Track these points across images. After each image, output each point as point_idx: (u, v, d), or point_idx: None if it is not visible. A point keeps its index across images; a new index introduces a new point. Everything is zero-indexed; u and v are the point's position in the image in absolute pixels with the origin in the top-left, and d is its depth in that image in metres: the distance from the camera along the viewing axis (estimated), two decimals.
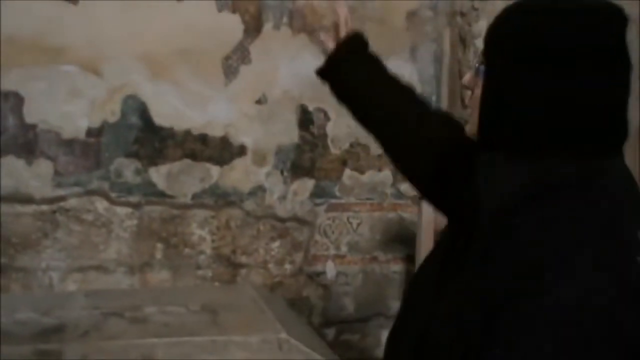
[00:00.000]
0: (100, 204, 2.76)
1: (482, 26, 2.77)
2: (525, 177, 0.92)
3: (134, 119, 2.77)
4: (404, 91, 1.37)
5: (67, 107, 2.73)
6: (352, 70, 1.37)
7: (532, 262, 0.85)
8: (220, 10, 2.79)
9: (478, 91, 1.01)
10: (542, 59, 0.90)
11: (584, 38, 0.90)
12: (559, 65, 0.90)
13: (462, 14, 2.88)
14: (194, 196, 2.82)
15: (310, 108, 2.84)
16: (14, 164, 2.71)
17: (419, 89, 2.83)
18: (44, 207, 2.73)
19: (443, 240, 1.14)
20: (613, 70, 0.91)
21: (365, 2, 2.89)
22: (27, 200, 2.72)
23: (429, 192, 1.29)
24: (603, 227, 0.87)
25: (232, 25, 2.80)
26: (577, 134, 0.91)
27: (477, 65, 1.03)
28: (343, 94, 1.40)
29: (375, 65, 1.39)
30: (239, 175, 2.83)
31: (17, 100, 2.70)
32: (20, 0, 2.68)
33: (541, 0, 0.95)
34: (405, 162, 1.33)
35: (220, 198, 2.83)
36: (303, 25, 2.85)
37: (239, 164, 2.82)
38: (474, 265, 0.92)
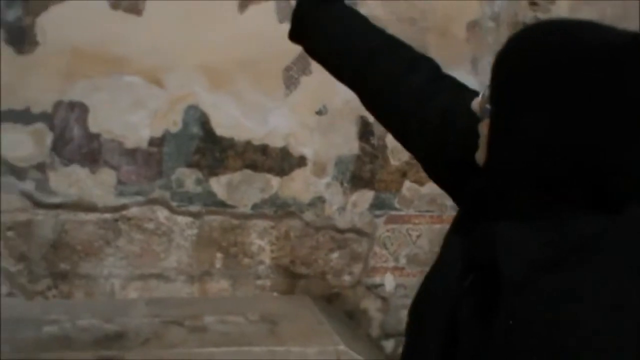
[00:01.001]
0: (162, 213, 2.82)
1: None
2: (546, 242, 0.85)
3: (195, 129, 2.83)
4: (380, 40, 1.23)
5: (130, 117, 2.81)
6: (316, 23, 1.27)
7: (565, 342, 0.80)
8: (281, 20, 2.83)
9: (486, 129, 0.93)
10: (555, 104, 0.83)
11: (604, 84, 0.81)
12: (573, 112, 0.82)
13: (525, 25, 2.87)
14: (254, 206, 2.86)
15: (371, 119, 2.86)
16: (78, 172, 2.80)
17: None
18: (107, 216, 2.81)
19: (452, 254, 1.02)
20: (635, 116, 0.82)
21: (426, 13, 2.90)
22: (91, 208, 2.81)
23: (426, 164, 1.18)
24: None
25: None
26: (592, 182, 0.84)
27: (485, 104, 0.94)
28: (315, 52, 1.30)
29: (342, 18, 1.27)
30: (298, 186, 2.87)
31: (82, 110, 2.79)
32: (86, 12, 2.76)
33: (555, 30, 0.86)
34: (396, 128, 1.20)
35: (280, 208, 2.87)
36: None
37: (299, 174, 2.86)
38: (499, 344, 0.85)
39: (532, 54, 0.85)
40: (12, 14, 2.76)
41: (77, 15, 2.78)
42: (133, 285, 2.84)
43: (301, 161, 2.88)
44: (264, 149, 2.86)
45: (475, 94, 1.04)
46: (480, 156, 0.94)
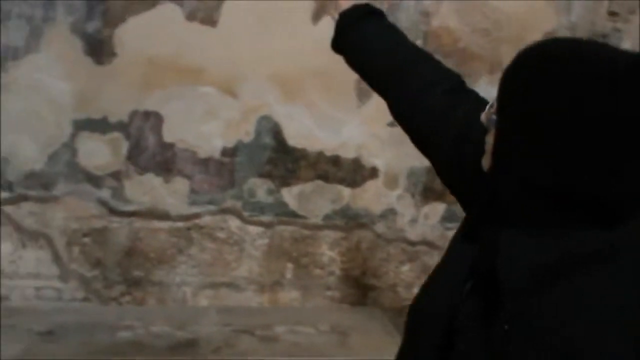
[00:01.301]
0: (233, 223, 2.85)
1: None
2: (548, 252, 0.86)
3: (268, 140, 2.85)
4: (412, 54, 1.27)
5: (204, 127, 2.85)
6: (354, 40, 1.31)
7: (563, 348, 0.80)
8: None
9: (492, 138, 0.95)
10: (557, 120, 0.84)
11: (605, 102, 0.82)
12: (575, 128, 0.83)
13: (604, 36, 2.82)
14: (325, 217, 2.87)
15: None
16: (152, 181, 2.85)
17: None
18: (179, 224, 2.85)
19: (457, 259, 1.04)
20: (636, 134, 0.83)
21: (501, 24, 2.88)
22: (164, 216, 2.85)
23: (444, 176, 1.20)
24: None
25: None
26: (593, 196, 0.85)
27: (492, 115, 0.95)
28: (353, 63, 1.34)
29: (380, 32, 1.31)
30: (370, 197, 2.87)
31: (157, 120, 2.84)
32: (162, 23, 2.81)
33: (559, 49, 0.87)
34: (416, 135, 1.23)
35: (351, 220, 2.87)
36: (438, 47, 2.86)
37: (371, 186, 2.86)
38: (493, 349, 0.86)
39: (536, 71, 0.86)
40: (91, 26, 2.83)
41: (153, 26, 2.83)
42: (204, 293, 2.88)
43: (373, 173, 2.89)
44: (335, 160, 2.87)
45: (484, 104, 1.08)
46: (486, 163, 0.96)
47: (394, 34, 1.32)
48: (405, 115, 1.24)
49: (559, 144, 0.84)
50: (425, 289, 1.06)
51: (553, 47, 0.89)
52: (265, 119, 2.84)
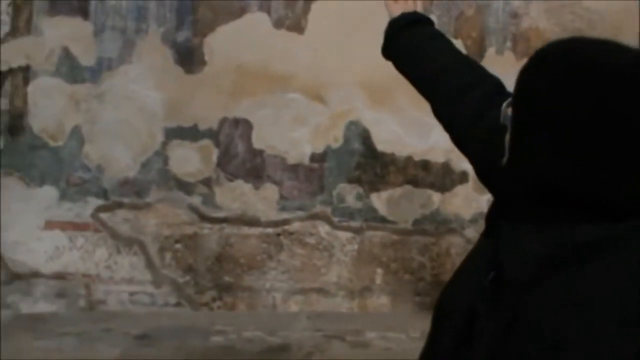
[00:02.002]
0: (323, 228, 2.88)
1: None
2: (549, 244, 0.88)
3: (356, 145, 2.87)
4: (457, 58, 1.30)
5: (293, 134, 2.89)
6: (403, 46, 1.35)
7: (555, 338, 0.82)
8: None
9: (507, 136, 0.96)
10: (567, 119, 0.85)
11: (614, 102, 0.84)
12: (584, 127, 0.85)
13: None
14: (415, 222, 2.88)
15: None
16: (242, 187, 2.91)
17: None
18: (269, 230, 2.90)
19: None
20: None
21: (594, 23, 2.84)
22: (254, 222, 2.91)
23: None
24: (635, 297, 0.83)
25: None
26: (600, 195, 0.86)
27: (508, 112, 0.96)
28: (401, 68, 1.37)
29: (428, 39, 1.34)
30: (460, 202, 2.86)
31: (246, 127, 2.90)
32: (251, 31, 2.88)
33: (573, 48, 0.89)
34: (455, 135, 1.24)
35: (441, 225, 2.87)
36: (527, 49, 2.84)
37: (461, 190, 2.85)
38: (497, 338, 0.88)
39: (549, 70, 0.88)
40: (181, 36, 2.91)
41: (242, 34, 2.89)
42: (294, 298, 2.92)
43: (463, 177, 2.88)
44: (425, 165, 2.88)
45: None
46: (504, 160, 0.97)
47: (440, 40, 1.36)
48: (445, 116, 1.28)
49: (581, 143, 0.85)
50: (449, 284, 1.10)
51: (579, 46, 0.91)
52: (354, 124, 2.87)
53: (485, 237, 1.07)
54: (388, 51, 1.42)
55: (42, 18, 2.88)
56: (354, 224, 2.90)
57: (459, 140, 1.26)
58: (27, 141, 2.87)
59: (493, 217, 1.05)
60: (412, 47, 1.37)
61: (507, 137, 0.98)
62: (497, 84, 1.27)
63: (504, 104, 1.00)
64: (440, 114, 1.30)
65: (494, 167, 1.03)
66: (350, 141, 2.89)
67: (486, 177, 1.14)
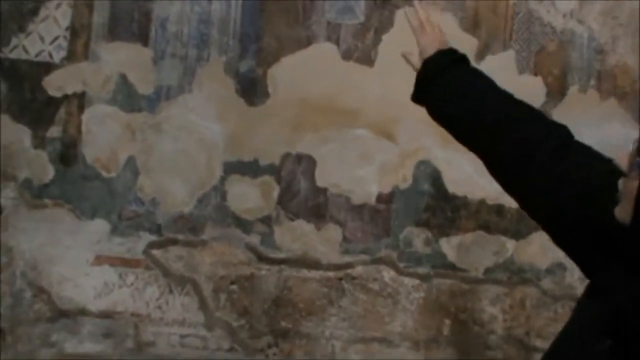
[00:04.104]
0: (388, 274, 2.78)
1: None
2: None
3: (426, 186, 2.78)
4: (514, 107, 1.21)
5: (358, 172, 2.80)
6: (442, 90, 1.26)
7: None
8: (521, 72, 2.74)
9: (634, 184, 0.90)
10: None
11: None
12: None
13: None
14: (487, 270, 2.77)
15: None
16: (303, 227, 2.81)
17: None
18: (330, 274, 2.80)
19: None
20: None
21: None
22: (315, 265, 2.81)
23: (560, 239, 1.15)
24: None
25: (534, 88, 2.74)
26: None
27: (637, 158, 0.91)
28: (440, 116, 1.29)
29: (472, 81, 1.26)
30: (536, 250, 2.74)
31: (309, 163, 2.81)
32: (317, 63, 2.79)
33: None
34: (522, 196, 1.18)
35: (515, 274, 2.76)
36: (613, 87, 2.73)
37: (537, 238, 2.73)
38: None
39: None
40: (244, 66, 2.84)
41: (308, 66, 2.82)
42: (355, 347, 2.80)
43: None
44: (498, 209, 2.76)
45: (600, 156, 1.11)
46: (623, 212, 0.92)
47: (488, 83, 1.28)
48: (511, 175, 1.18)
49: None
50: (554, 349, 1.06)
51: None
52: (424, 163, 2.77)
53: (589, 299, 1.02)
54: (422, 94, 1.32)
55: (100, 43, 2.82)
56: (421, 270, 2.79)
57: (534, 202, 1.16)
58: (80, 171, 2.80)
59: (599, 274, 1.00)
60: (455, 91, 1.26)
61: (631, 184, 0.91)
62: (568, 133, 1.18)
63: (631, 148, 0.93)
64: (501, 171, 1.20)
65: (600, 223, 0.98)
66: (419, 181, 2.79)
67: (581, 238, 1.07)
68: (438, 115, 1.31)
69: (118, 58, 2.80)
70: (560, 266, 2.75)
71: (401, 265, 2.78)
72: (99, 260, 2.81)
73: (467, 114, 1.24)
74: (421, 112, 2.66)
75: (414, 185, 2.78)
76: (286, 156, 2.80)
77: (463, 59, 1.32)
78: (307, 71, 2.79)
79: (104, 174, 2.81)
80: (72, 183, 2.80)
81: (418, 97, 1.35)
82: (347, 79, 2.79)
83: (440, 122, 1.32)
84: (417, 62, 1.36)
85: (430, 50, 1.33)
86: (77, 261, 2.80)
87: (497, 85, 1.27)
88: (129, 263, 2.81)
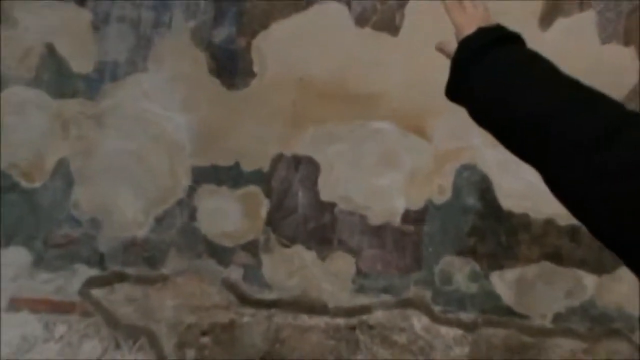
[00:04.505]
0: (418, 321, 2.09)
1: None
2: None
3: (471, 200, 2.08)
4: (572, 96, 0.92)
5: (378, 181, 2.12)
6: (483, 77, 0.98)
7: None
8: (604, 40, 2.05)
9: None
10: None
11: None
12: None
13: None
14: (557, 317, 2.06)
15: None
16: (302, 257, 2.11)
17: None
18: (340, 321, 2.12)
19: None
20: None
21: None
22: (318, 309, 2.13)
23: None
24: None
25: (622, 62, 2.05)
26: None
27: None
28: (482, 117, 1.02)
29: (524, 64, 0.97)
30: (626, 290, 2.02)
31: (310, 168, 2.15)
32: (319, 29, 2.06)
33: None
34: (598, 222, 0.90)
35: (598, 323, 2.05)
36: None
37: (627, 274, 1.99)
38: None
39: None
40: (221, 34, 2.12)
41: (308, 35, 2.12)
42: None
43: None
44: (573, 232, 2.04)
45: None
46: None
47: (543, 66, 0.98)
48: (568, 192, 0.94)
49: None
50: None
51: None
52: (468, 169, 2.09)
53: None
54: (459, 86, 1.03)
55: (16, 3, 2.06)
56: (465, 316, 2.08)
57: (599, 227, 0.90)
58: None
59: None
60: (501, 81, 0.98)
61: None
62: None
63: None
64: (559, 188, 0.95)
65: None
66: (462, 194, 2.09)
67: None
68: (479, 114, 1.03)
69: (43, 22, 2.07)
70: None
71: (437, 309, 2.09)
72: (16, 303, 2.11)
73: (510, 110, 0.97)
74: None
75: (455, 199, 2.09)
76: (278, 159, 2.12)
77: (514, 38, 1.02)
78: (307, 42, 2.09)
79: (24, 184, 2.10)
80: None
81: (453, 89, 1.05)
82: (361, 53, 2.08)
83: (483, 123, 1.04)
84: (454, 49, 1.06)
85: (469, 29, 1.04)
86: None
87: (560, 71, 0.97)
88: (59, 307, 2.11)
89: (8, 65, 2.07)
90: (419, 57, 2.05)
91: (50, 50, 2.08)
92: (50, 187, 2.10)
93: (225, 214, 2.10)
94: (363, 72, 2.10)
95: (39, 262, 2.09)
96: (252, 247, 2.11)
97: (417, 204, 2.09)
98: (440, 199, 2.09)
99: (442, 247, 2.09)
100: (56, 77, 2.09)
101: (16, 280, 2.08)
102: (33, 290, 2.08)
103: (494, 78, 1.00)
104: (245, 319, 2.10)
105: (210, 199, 2.10)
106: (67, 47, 2.09)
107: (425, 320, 2.09)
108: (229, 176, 2.10)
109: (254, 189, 2.10)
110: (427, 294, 2.09)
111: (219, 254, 2.11)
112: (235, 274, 2.11)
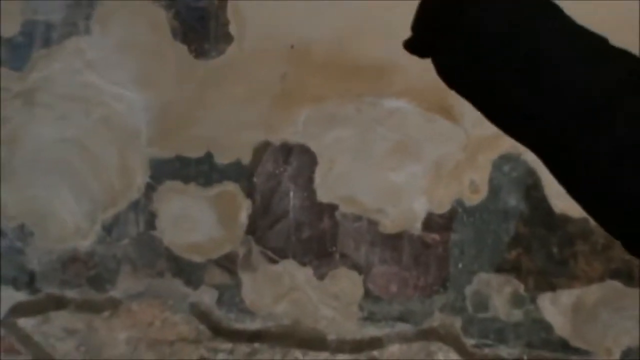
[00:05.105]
0: (445, 358, 1.64)
1: None
2: None
3: (513, 201, 1.67)
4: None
5: (392, 176, 1.68)
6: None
7: None
8: None
9: None
10: None
11: None
12: None
13: None
14: (627, 353, 1.65)
15: None
16: (294, 275, 1.68)
17: None
18: (343, 358, 1.69)
19: None
20: None
21: None
22: (315, 342, 1.69)
23: None
24: None
25: None
26: None
27: None
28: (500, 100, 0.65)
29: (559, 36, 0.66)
30: None
31: (304, 160, 1.72)
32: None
33: None
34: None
35: None
36: None
37: None
38: None
39: None
40: None
41: None
42: None
43: None
44: None
45: None
46: None
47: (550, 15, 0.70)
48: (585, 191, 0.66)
49: None
50: None
51: None
52: (509, 161, 1.64)
53: None
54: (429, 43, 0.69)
55: None
56: (507, 351, 1.67)
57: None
58: None
59: None
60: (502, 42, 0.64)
61: None
62: None
63: None
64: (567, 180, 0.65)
65: None
66: (501, 193, 1.67)
67: None
68: (484, 102, 0.66)
69: None
70: None
71: (469, 342, 1.68)
72: None
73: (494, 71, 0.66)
74: None
75: (492, 199, 1.65)
76: (263, 148, 1.68)
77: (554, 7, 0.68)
78: None
79: None
80: None
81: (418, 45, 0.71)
82: (368, 12, 1.65)
83: (491, 117, 0.67)
84: None
85: None
86: None
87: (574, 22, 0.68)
88: None
89: None
90: None
91: None
92: None
93: (194, 220, 1.67)
94: (372, 37, 1.67)
95: None
96: (228, 263, 1.67)
97: (442, 207, 1.67)
98: (472, 200, 1.66)
99: (476, 262, 1.67)
100: None
101: None
102: None
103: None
104: (220, 356, 1.67)
105: (175, 201, 1.66)
106: None
107: (454, 356, 1.66)
108: (199, 171, 1.67)
109: (231, 187, 1.67)
110: (457, 323, 1.66)
111: (186, 272, 1.67)
112: (207, 297, 1.67)
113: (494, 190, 1.65)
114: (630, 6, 1.63)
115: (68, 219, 1.65)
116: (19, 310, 1.65)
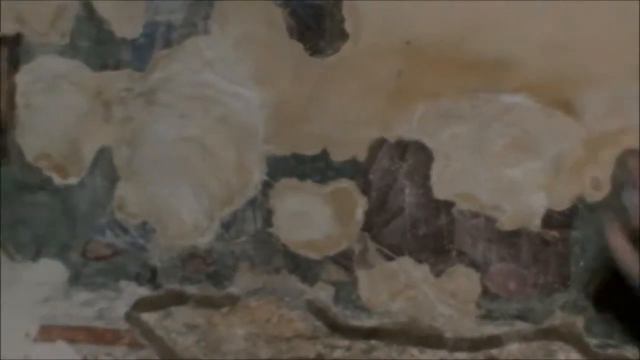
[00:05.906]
0: (567, 357, 1.66)
1: None
2: None
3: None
4: None
5: (510, 172, 1.67)
6: None
7: None
8: None
9: None
10: None
11: None
12: None
13: None
14: None
15: None
16: (410, 272, 1.68)
17: None
18: (460, 356, 1.70)
19: None
20: None
21: None
22: (432, 340, 1.68)
23: None
24: None
25: None
26: None
27: None
28: None
29: None
30: None
31: (420, 156, 1.71)
32: None
33: None
34: None
35: None
36: None
37: None
38: None
39: None
40: None
41: None
42: None
43: None
44: None
45: None
46: None
47: None
48: None
49: None
50: None
51: None
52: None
53: None
54: None
55: None
56: (632, 352, 1.59)
57: None
58: (12, 176, 1.72)
59: None
60: None
61: None
62: None
63: None
64: None
65: None
66: (624, 189, 1.58)
67: None
68: None
69: None
70: None
71: (593, 342, 1.60)
72: (48, 332, 1.69)
73: None
74: (630, 61, 1.52)
75: (614, 196, 1.58)
76: (378, 145, 1.66)
77: None
78: None
79: (57, 180, 1.71)
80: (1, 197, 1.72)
81: None
82: (488, 9, 1.62)
83: None
84: None
85: None
86: (10, 335, 1.69)
87: None
88: (101, 337, 1.69)
89: (35, 29, 1.68)
90: (564, 8, 1.58)
91: (88, 10, 1.69)
92: (89, 184, 1.71)
93: (310, 217, 1.67)
94: (488, 32, 1.64)
95: (75, 280, 1.71)
96: (345, 260, 1.67)
97: (562, 203, 1.63)
98: (594, 196, 1.62)
99: (598, 260, 1.63)
100: (95, 44, 1.70)
101: (48, 303, 1.69)
102: (69, 315, 1.70)
103: None
104: (337, 353, 1.67)
105: (291, 198, 1.68)
106: (109, 6, 1.69)
107: (576, 356, 1.63)
108: (315, 168, 1.67)
109: (346, 184, 1.67)
110: (579, 322, 1.62)
111: (303, 268, 1.68)
112: (323, 294, 1.68)
113: (617, 186, 1.62)
114: (630, 6, 1.58)
115: (187, 216, 1.69)
116: (142, 305, 1.69)
